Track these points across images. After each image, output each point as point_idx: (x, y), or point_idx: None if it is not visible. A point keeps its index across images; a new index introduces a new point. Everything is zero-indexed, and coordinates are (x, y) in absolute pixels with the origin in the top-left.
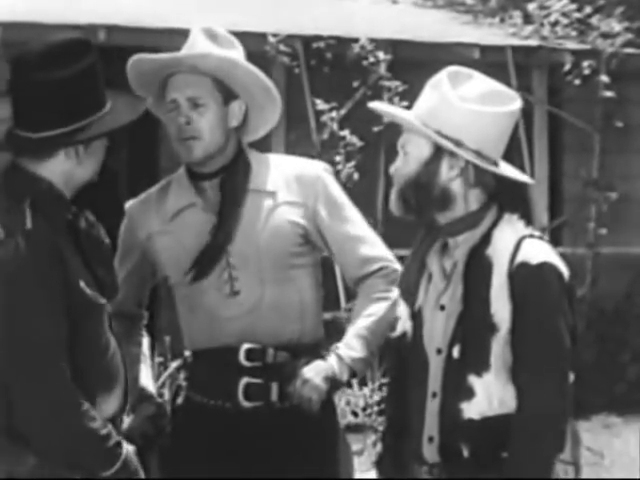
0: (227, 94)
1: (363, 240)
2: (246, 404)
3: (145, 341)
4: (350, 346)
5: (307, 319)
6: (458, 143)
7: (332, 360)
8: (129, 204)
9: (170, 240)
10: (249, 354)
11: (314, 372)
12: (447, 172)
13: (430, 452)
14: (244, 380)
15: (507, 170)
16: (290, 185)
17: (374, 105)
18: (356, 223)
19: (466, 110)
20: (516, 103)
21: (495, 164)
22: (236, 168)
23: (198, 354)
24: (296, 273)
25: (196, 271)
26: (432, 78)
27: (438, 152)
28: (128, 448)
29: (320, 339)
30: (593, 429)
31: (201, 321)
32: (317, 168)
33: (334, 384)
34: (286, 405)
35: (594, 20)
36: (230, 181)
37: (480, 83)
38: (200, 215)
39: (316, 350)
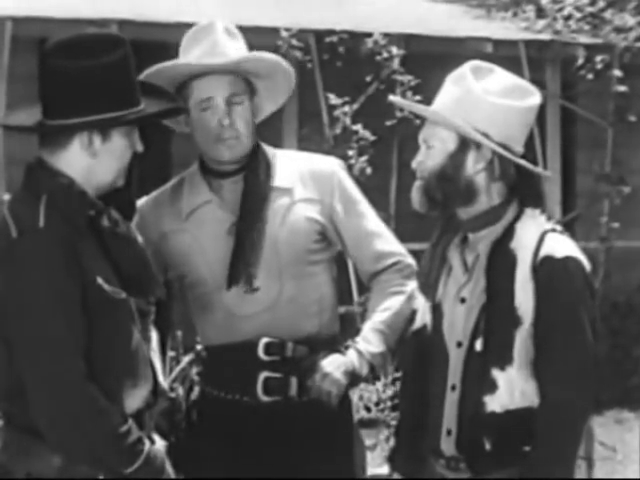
0: (252, 91)
1: (377, 235)
2: (265, 398)
3: (154, 336)
4: (368, 340)
5: (325, 314)
6: (486, 136)
7: (351, 354)
8: (141, 202)
9: (186, 238)
10: (268, 348)
11: (334, 366)
12: (473, 165)
13: (448, 445)
14: (263, 374)
15: (529, 164)
16: (306, 181)
17: (398, 101)
18: (370, 219)
19: (492, 104)
20: (536, 97)
21: (518, 157)
22: (257, 165)
23: (214, 349)
24: (314, 269)
25: (230, 278)
26: (453, 73)
27: (464, 145)
28: (156, 445)
29: (336, 333)
30: (606, 424)
31: (218, 319)
32: (332, 164)
33: (354, 378)
34: (304, 399)
35: (607, 14)
36: (253, 179)
37: (502, 77)
38: (217, 213)
39: (333, 344)
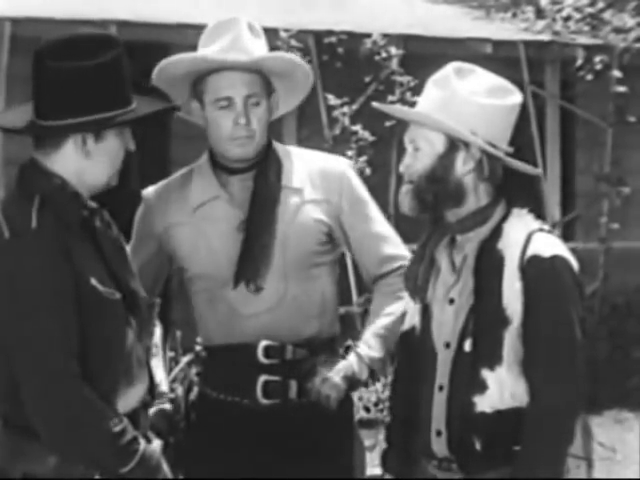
0: (269, 89)
1: (384, 239)
2: (265, 401)
3: (158, 332)
4: (370, 345)
5: (326, 316)
6: (475, 135)
7: (352, 359)
8: (147, 192)
9: (192, 232)
10: (267, 351)
11: (334, 370)
12: (462, 166)
13: (439, 446)
14: (263, 377)
15: (515, 162)
16: (315, 181)
17: (380, 106)
18: (377, 221)
19: (479, 104)
20: (518, 96)
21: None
22: (268, 164)
23: (214, 350)
24: (318, 271)
25: (237, 275)
26: (434, 75)
27: (453, 146)
28: (152, 444)
29: (336, 334)
30: (605, 424)
31: (220, 316)
32: (342, 165)
33: (353, 383)
34: (304, 402)
35: (607, 15)
36: (262, 178)
37: (484, 77)
38: (226, 209)
39: (332, 345)
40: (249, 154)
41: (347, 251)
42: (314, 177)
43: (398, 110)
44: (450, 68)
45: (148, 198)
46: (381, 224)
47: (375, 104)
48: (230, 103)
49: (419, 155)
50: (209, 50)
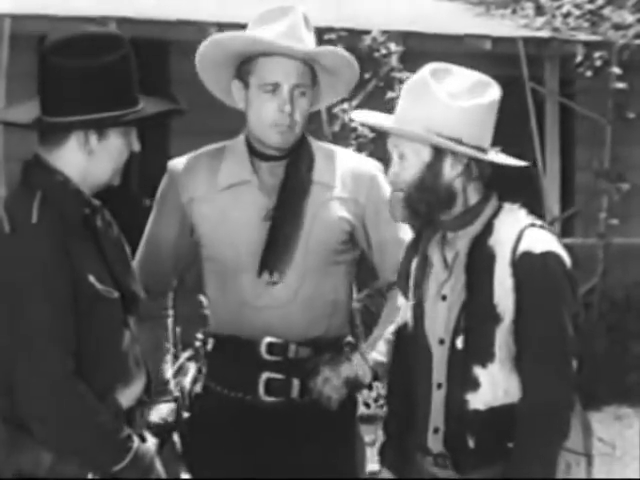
0: (314, 82)
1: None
2: (267, 399)
3: (170, 324)
4: (377, 349)
5: (337, 316)
6: (460, 142)
7: (356, 361)
8: (174, 162)
9: (215, 211)
10: (270, 348)
11: (336, 372)
12: (450, 171)
13: (435, 443)
14: (265, 375)
15: (503, 159)
16: (345, 180)
17: (362, 119)
18: (401, 228)
19: (460, 108)
20: (496, 88)
21: (487, 154)
22: (301, 155)
23: (220, 340)
24: (335, 270)
25: (261, 264)
26: (411, 80)
27: (439, 154)
28: (147, 443)
29: (344, 334)
30: (605, 420)
31: (231, 304)
32: (373, 167)
33: (355, 385)
34: (306, 400)
35: (606, 11)
36: (294, 169)
37: (461, 77)
38: (254, 194)
39: (338, 344)
40: (287, 143)
41: (366, 253)
42: (345, 176)
43: (383, 126)
44: (426, 72)
45: (175, 169)
46: (404, 231)
47: (355, 116)
48: (276, 89)
49: (405, 165)
50: (262, 32)
